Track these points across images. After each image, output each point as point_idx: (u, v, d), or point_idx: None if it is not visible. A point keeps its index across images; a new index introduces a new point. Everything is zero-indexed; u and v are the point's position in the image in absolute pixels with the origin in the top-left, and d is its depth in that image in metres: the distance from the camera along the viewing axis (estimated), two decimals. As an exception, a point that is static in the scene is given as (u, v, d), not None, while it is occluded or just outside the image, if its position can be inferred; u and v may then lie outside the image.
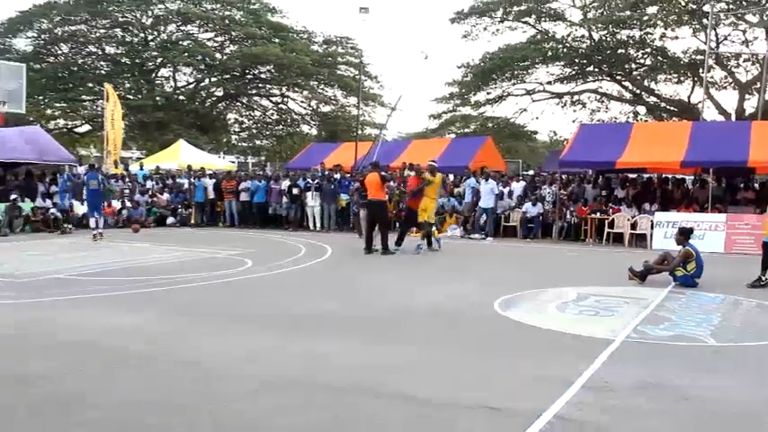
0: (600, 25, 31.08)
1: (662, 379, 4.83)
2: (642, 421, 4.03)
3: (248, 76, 39.87)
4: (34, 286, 8.86)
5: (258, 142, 44.43)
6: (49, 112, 37.59)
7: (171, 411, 4.14)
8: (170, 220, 20.50)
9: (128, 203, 20.12)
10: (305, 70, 36.81)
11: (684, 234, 9.52)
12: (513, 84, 35.27)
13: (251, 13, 38.58)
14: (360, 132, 27.57)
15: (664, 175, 18.58)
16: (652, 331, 6.43)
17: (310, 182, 19.04)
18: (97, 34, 38.05)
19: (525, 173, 23.17)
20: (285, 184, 19.52)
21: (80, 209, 18.88)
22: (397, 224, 17.37)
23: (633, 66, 33.32)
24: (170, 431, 3.87)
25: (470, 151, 21.78)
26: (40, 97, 35.19)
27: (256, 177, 20.85)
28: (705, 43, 26.58)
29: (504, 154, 28.18)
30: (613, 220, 15.93)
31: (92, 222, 15.78)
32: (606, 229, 15.87)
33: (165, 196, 21.27)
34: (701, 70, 28.04)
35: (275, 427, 3.91)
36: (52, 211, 18.08)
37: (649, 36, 31.10)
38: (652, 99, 34.01)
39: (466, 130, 36.61)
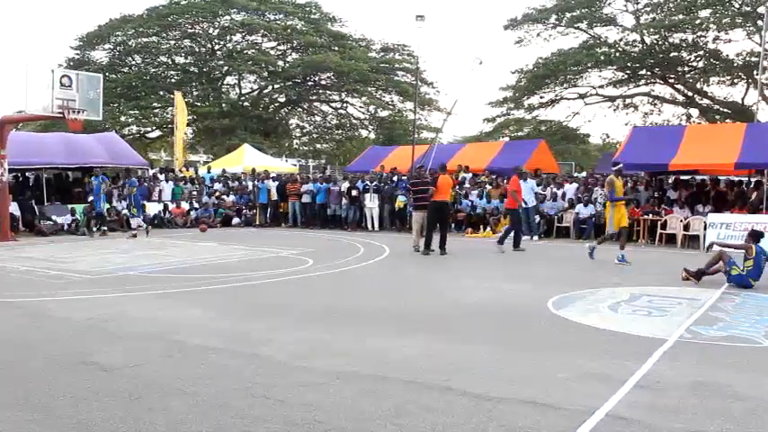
0: (652, 29, 30.62)
1: (715, 379, 4.80)
2: (694, 421, 3.99)
3: (309, 83, 40.65)
4: (108, 282, 9.20)
5: (318, 146, 45.20)
6: (123, 119, 39.13)
7: (239, 401, 4.28)
8: (235, 220, 21.17)
9: (196, 204, 21.03)
10: (363, 77, 37.41)
11: (754, 236, 9.48)
12: (566, 88, 35.18)
13: (312, 22, 39.47)
14: (416, 136, 27.89)
15: (717, 177, 18.25)
16: (705, 331, 6.36)
17: (369, 184, 19.43)
18: (167, 45, 39.61)
19: (578, 175, 23.01)
20: (344, 185, 19.95)
21: (154, 208, 19.90)
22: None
23: (686, 69, 32.78)
24: (238, 419, 3.98)
25: (524, 154, 21.85)
26: (115, 105, 36.77)
27: (317, 180, 21.32)
28: (760, 45, 25.87)
29: (556, 157, 27.98)
30: (666, 221, 15.81)
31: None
32: (659, 231, 15.75)
33: (231, 198, 22.01)
34: (755, 72, 27.49)
35: (341, 416, 4.02)
36: (125, 212, 19.06)
37: (702, 39, 30.62)
38: (705, 101, 33.43)
39: (519, 133, 36.54)
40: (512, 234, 14.08)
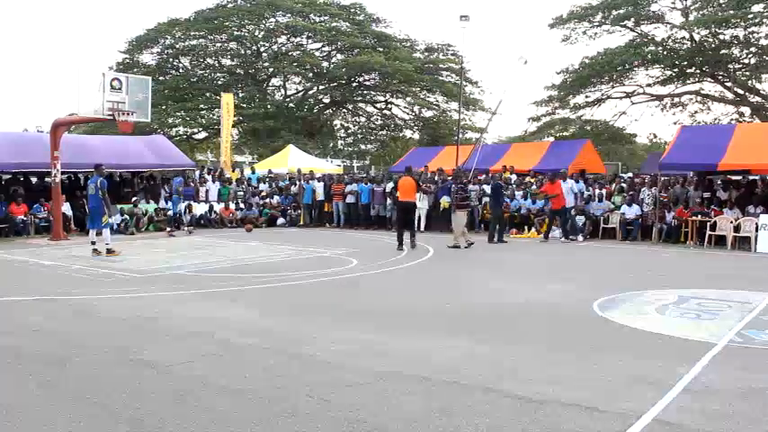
0: (702, 26, 29.83)
1: (766, 385, 4.69)
2: (745, 429, 3.88)
3: (354, 84, 40.79)
4: (156, 281, 9.39)
5: (363, 147, 45.34)
6: (170, 120, 39.81)
7: (284, 400, 4.32)
8: (280, 220, 21.38)
9: (242, 205, 21.36)
10: (407, 77, 37.37)
11: None
12: (612, 86, 34.55)
13: (356, 23, 39.65)
14: (461, 136, 27.76)
15: (768, 177, 17.71)
16: (757, 336, 6.19)
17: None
18: (214, 48, 40.20)
19: (624, 175, 22.61)
20: (389, 186, 19.97)
21: (199, 208, 20.25)
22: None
23: (736, 66, 31.79)
24: (283, 417, 4.01)
25: (570, 154, 21.71)
26: (163, 107, 37.40)
27: (361, 180, 21.39)
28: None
29: (603, 157, 27.54)
30: (715, 222, 15.41)
31: (91, 234, 13.10)
32: (708, 232, 15.37)
33: (276, 198, 22.29)
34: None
35: (385, 416, 4.03)
36: (170, 212, 19.46)
37: (754, 35, 29.66)
38: (757, 99, 32.32)
39: (564, 133, 36.03)
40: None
